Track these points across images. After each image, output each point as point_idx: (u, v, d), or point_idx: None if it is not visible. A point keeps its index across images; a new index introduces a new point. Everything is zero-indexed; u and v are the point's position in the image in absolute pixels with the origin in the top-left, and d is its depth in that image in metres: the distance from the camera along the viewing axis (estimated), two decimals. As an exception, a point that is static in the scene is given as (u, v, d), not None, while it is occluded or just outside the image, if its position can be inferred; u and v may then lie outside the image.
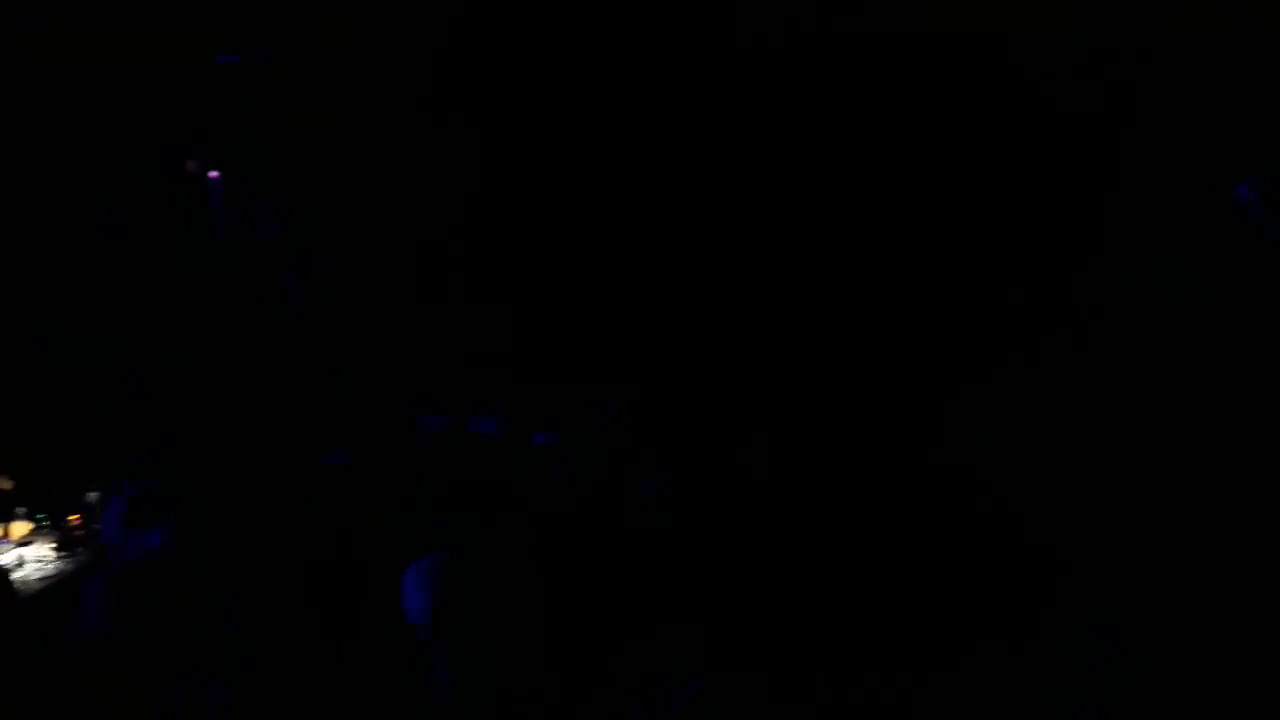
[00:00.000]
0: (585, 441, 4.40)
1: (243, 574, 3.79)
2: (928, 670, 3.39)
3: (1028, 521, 3.81)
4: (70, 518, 4.83)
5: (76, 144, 5.63)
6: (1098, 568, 3.57)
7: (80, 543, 4.78)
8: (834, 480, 4.10)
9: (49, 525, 4.86)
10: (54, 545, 4.77)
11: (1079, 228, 4.66)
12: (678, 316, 5.02)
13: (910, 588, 3.65)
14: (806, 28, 5.12)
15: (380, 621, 3.60)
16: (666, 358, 4.89)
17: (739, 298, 4.98)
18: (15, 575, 4.45)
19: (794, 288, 4.92)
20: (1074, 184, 4.73)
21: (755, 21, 5.20)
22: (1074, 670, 3.23)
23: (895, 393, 4.47)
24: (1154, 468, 3.89)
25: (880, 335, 4.67)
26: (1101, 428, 4.10)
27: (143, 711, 3.57)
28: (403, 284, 5.62)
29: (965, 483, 3.96)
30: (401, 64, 5.59)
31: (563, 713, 3.37)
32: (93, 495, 4.88)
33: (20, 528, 4.84)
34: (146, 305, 5.70)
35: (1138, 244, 4.56)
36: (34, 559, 4.69)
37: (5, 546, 4.76)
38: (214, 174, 5.74)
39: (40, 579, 4.55)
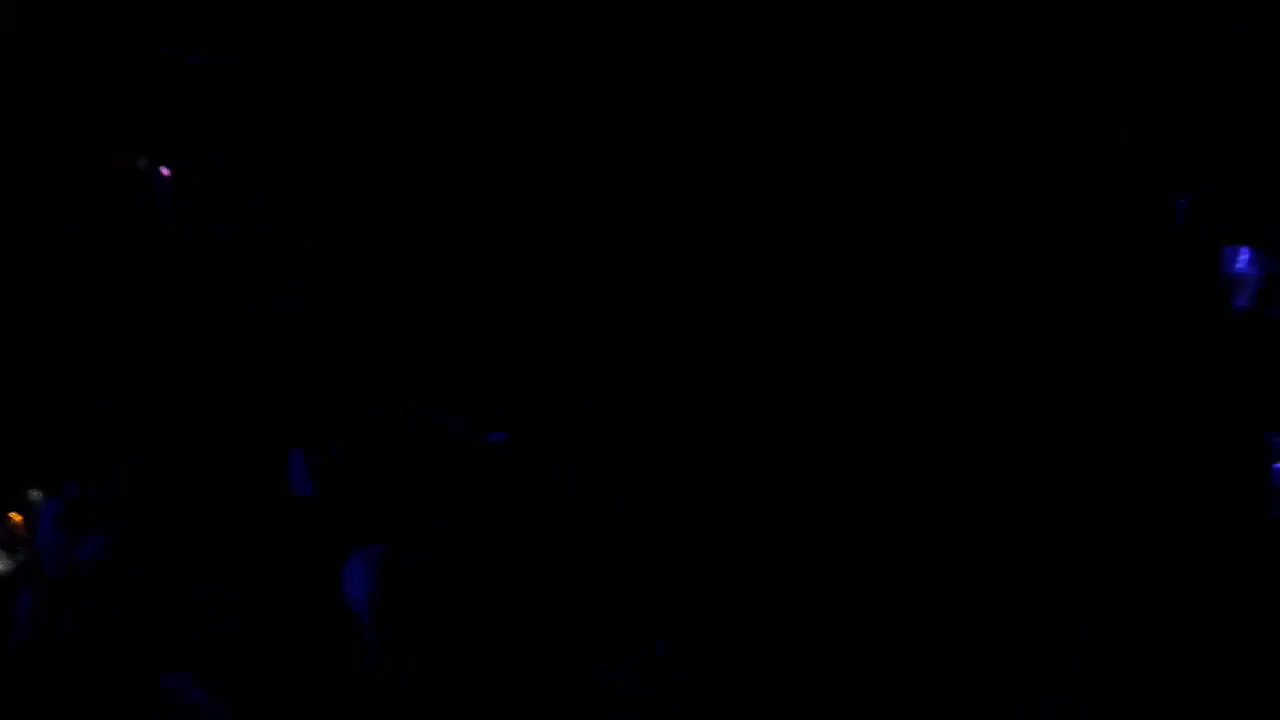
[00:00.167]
0: (555, 439, 4.31)
1: (241, 574, 3.82)
2: (927, 670, 3.42)
3: (1027, 521, 3.80)
4: (12, 515, 4.63)
5: (76, 144, 5.62)
6: (1097, 567, 3.58)
7: (21, 543, 4.59)
8: (833, 480, 4.07)
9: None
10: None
11: (1079, 228, 4.64)
12: (677, 316, 4.94)
13: (910, 587, 3.66)
14: (807, 28, 5.12)
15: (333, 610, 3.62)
16: (664, 356, 4.81)
17: (738, 297, 4.90)
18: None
19: (793, 287, 4.85)
20: (1074, 184, 4.71)
21: (755, 21, 5.20)
22: (1074, 670, 3.25)
23: (895, 392, 4.40)
24: (1154, 468, 3.88)
25: (879, 335, 4.61)
26: (1101, 428, 4.05)
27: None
28: (401, 284, 5.55)
29: (964, 482, 3.95)
30: (401, 64, 5.57)
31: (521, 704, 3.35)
32: (35, 494, 4.68)
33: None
34: (146, 305, 5.62)
35: (1137, 244, 4.54)
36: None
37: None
38: (165, 171, 5.67)
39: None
